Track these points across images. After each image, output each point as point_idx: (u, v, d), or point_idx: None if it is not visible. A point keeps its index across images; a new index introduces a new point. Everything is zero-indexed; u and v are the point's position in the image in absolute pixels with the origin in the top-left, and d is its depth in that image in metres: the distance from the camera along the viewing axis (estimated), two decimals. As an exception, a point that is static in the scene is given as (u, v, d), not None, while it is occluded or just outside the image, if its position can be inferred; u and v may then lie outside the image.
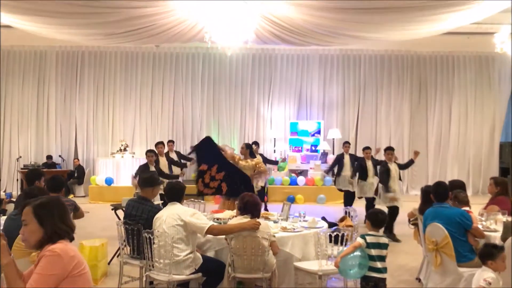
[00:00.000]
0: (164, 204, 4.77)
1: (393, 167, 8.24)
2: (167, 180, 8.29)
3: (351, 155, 9.98)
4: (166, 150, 10.00)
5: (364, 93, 14.23)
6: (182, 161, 10.67)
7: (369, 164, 9.09)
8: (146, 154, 8.44)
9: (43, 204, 2.47)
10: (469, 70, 14.12)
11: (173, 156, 10.46)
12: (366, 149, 9.27)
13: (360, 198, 9.31)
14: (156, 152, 8.62)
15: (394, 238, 7.69)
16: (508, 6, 7.46)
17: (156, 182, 5.00)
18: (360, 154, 10.21)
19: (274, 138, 13.70)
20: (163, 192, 6.78)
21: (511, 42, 8.24)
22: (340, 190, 9.96)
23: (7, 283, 2.36)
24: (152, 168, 8.07)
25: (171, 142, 11.19)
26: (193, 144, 13.95)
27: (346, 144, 10.17)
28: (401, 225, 8.12)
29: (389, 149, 8.53)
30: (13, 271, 2.40)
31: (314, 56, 14.15)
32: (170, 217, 4.28)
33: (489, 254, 3.71)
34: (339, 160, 9.96)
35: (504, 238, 4.30)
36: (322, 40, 10.05)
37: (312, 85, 14.25)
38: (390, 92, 14.15)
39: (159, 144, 9.23)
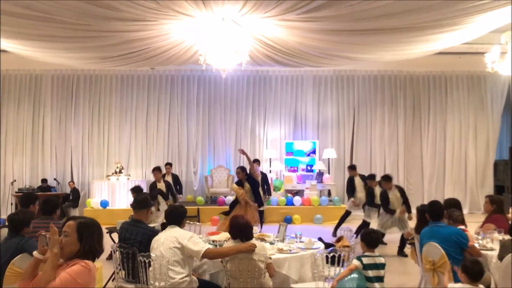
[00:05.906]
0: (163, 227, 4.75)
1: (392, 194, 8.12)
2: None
3: (361, 175, 9.88)
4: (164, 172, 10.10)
5: (358, 113, 14.29)
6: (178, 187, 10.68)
7: (376, 189, 8.92)
8: (152, 172, 9.32)
9: (87, 224, 2.77)
10: (462, 89, 14.21)
11: (169, 179, 10.22)
12: (370, 178, 9.12)
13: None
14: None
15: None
16: (498, 27, 7.59)
17: (150, 204, 5.04)
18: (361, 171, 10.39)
19: (270, 158, 13.72)
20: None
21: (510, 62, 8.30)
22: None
23: (46, 271, 2.58)
24: (162, 184, 8.91)
25: (168, 165, 10.97)
26: (188, 165, 14.03)
27: (350, 170, 10.08)
28: (395, 244, 8.14)
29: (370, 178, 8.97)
30: (57, 262, 2.63)
31: (308, 77, 14.27)
32: (168, 239, 4.27)
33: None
34: (351, 184, 9.89)
35: (501, 256, 4.29)
36: (315, 61, 10.16)
37: (306, 105, 14.32)
38: (384, 111, 14.21)
39: (155, 170, 9.23)
